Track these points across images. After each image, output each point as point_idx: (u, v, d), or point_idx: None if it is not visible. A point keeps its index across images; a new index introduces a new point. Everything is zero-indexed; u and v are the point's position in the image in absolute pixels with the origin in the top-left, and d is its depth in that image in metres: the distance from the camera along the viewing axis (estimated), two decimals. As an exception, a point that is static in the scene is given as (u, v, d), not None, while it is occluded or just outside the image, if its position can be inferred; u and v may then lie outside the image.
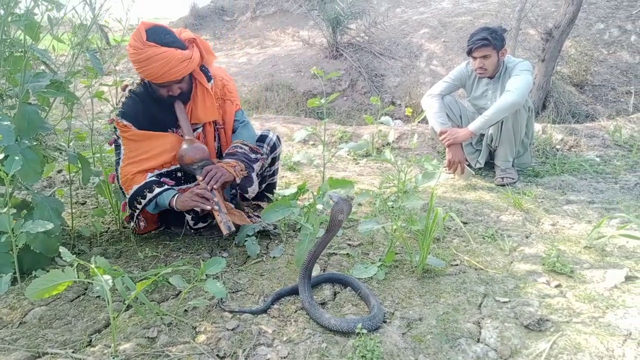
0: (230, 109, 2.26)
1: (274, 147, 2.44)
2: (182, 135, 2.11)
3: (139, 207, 2.03)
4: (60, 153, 2.38)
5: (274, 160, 2.49)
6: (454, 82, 3.30)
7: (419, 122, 4.58)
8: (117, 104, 2.14)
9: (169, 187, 2.04)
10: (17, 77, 1.80)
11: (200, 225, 2.26)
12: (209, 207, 1.95)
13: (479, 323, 1.59)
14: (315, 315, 1.57)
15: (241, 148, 2.19)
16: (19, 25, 1.76)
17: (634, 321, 1.56)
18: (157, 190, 2.00)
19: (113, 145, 2.13)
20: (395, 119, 5.99)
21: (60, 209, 1.95)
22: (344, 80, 7.03)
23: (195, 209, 2.01)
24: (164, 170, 2.09)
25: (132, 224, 2.18)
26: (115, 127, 2.09)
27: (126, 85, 2.17)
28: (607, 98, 6.13)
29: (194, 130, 2.16)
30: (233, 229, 1.95)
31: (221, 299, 1.69)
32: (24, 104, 1.81)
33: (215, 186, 1.99)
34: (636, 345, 1.45)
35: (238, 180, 2.09)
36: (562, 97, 5.78)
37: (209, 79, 2.18)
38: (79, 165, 2.17)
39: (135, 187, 2.01)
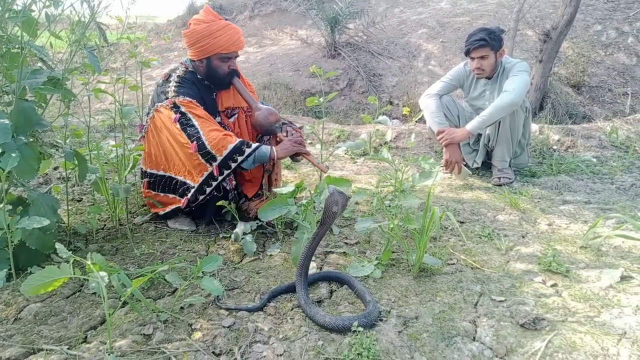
0: (254, 97, 2.46)
1: None
2: (222, 120, 2.35)
3: (234, 165, 2.14)
4: (57, 150, 2.37)
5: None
6: (452, 82, 3.31)
7: (416, 121, 4.58)
8: (162, 91, 2.24)
9: (258, 144, 2.20)
10: (14, 74, 1.79)
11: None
12: (308, 150, 2.32)
13: (475, 322, 1.59)
14: (311, 313, 1.57)
15: (285, 119, 2.49)
16: (17, 21, 1.75)
17: (629, 320, 1.57)
18: (254, 145, 2.17)
19: (177, 124, 2.15)
20: (393, 118, 6.00)
21: (56, 206, 1.94)
22: (342, 79, 7.03)
23: (295, 153, 2.31)
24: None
25: (199, 198, 2.21)
26: (176, 107, 2.16)
27: (169, 74, 2.28)
28: (604, 99, 6.15)
29: (231, 116, 2.38)
30: (327, 167, 2.26)
31: (217, 296, 1.69)
32: (20, 101, 1.80)
33: (296, 135, 2.36)
34: (631, 345, 1.45)
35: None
36: (559, 98, 5.79)
37: None
38: (76, 162, 2.16)
39: (230, 145, 2.11)
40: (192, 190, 2.19)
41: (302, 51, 7.94)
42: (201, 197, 2.20)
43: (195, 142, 2.11)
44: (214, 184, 2.18)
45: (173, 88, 2.20)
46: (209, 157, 2.11)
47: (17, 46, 1.78)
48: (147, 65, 2.43)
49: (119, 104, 2.32)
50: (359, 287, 1.73)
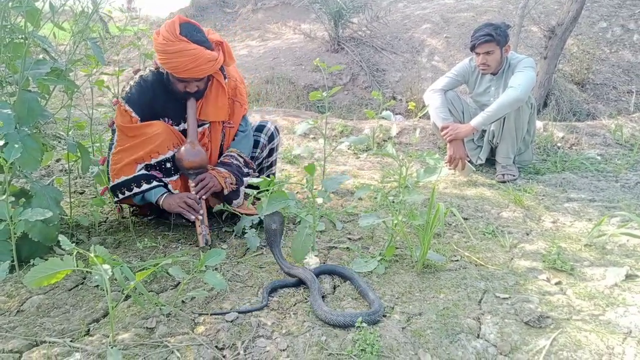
0: (239, 111, 2.28)
1: (271, 138, 2.45)
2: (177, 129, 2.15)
3: (121, 196, 2.09)
4: (59, 142, 2.36)
5: (272, 151, 2.48)
6: (457, 78, 3.28)
7: (420, 117, 4.56)
8: (124, 87, 2.14)
9: (157, 184, 2.08)
10: (17, 64, 1.78)
11: (183, 221, 2.28)
12: (192, 218, 2.06)
13: (479, 319, 1.58)
14: (316, 309, 1.57)
15: (237, 160, 2.24)
16: (20, 11, 1.74)
17: (634, 319, 1.56)
18: (145, 186, 2.06)
19: (110, 128, 2.14)
20: (396, 114, 5.97)
21: (59, 198, 1.93)
22: (345, 74, 7.00)
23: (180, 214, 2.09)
24: (153, 161, 2.08)
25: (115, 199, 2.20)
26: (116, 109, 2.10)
27: (138, 70, 2.18)
28: (608, 97, 6.12)
29: (199, 126, 2.16)
30: (210, 242, 2.05)
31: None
32: (24, 91, 1.79)
33: (204, 196, 2.09)
34: (636, 344, 1.44)
35: (226, 192, 2.16)
36: (564, 95, 5.76)
37: (224, 77, 2.20)
38: (79, 154, 2.15)
39: (123, 177, 2.05)
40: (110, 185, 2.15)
41: (305, 45, 7.90)
42: (116, 199, 2.18)
43: (107, 155, 2.12)
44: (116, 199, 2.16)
45: (127, 89, 2.10)
46: (108, 176, 2.12)
47: (20, 36, 1.77)
48: (150, 57, 2.42)
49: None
50: (361, 284, 1.72)
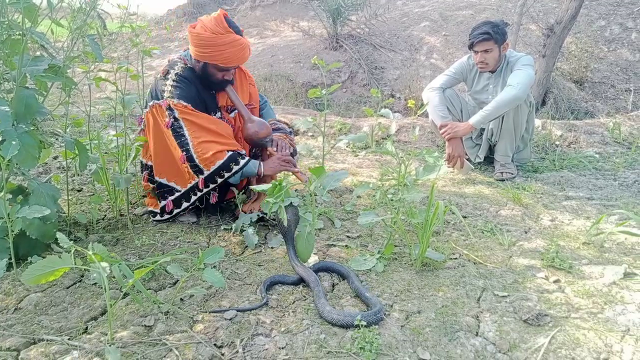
0: (254, 91, 2.50)
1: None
2: (222, 115, 2.32)
3: (220, 180, 2.14)
4: (57, 139, 2.35)
5: None
6: (455, 76, 3.28)
7: (419, 115, 4.56)
8: (160, 89, 2.17)
9: (249, 158, 2.19)
10: (15, 61, 1.76)
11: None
12: (296, 170, 2.27)
13: (478, 317, 1.58)
14: (319, 309, 1.56)
15: (280, 124, 2.48)
16: (18, 7, 1.72)
17: (633, 317, 1.56)
18: (242, 161, 2.14)
19: (170, 129, 2.12)
20: (395, 112, 5.97)
21: (57, 195, 1.92)
22: (344, 72, 6.99)
23: (283, 171, 2.33)
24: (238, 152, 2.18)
25: (174, 211, 2.27)
26: (170, 110, 2.11)
27: (167, 70, 2.21)
28: (606, 95, 6.12)
29: (231, 112, 2.34)
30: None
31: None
32: (21, 88, 1.77)
33: (289, 151, 2.31)
34: (634, 341, 1.45)
35: (292, 150, 2.38)
36: (562, 94, 5.77)
37: None
38: (76, 152, 2.14)
39: (218, 162, 2.09)
40: (177, 194, 2.21)
41: (303, 43, 7.88)
42: (185, 204, 2.23)
43: (184, 152, 2.10)
44: (199, 194, 2.19)
45: (169, 88, 2.13)
46: (196, 169, 2.11)
47: (18, 33, 1.76)
48: (148, 55, 2.40)
49: (120, 93, 2.30)
50: (356, 283, 1.71)
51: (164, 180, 2.22)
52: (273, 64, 7.06)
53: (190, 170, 2.12)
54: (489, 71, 3.15)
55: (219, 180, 2.13)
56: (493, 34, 2.97)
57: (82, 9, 1.99)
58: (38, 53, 2.07)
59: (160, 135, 2.16)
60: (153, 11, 12.00)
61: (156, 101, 2.16)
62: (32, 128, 1.86)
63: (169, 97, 2.12)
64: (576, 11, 4.88)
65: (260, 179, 2.27)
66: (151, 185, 2.29)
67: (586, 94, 6.15)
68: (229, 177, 2.14)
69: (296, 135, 4.15)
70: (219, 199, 2.32)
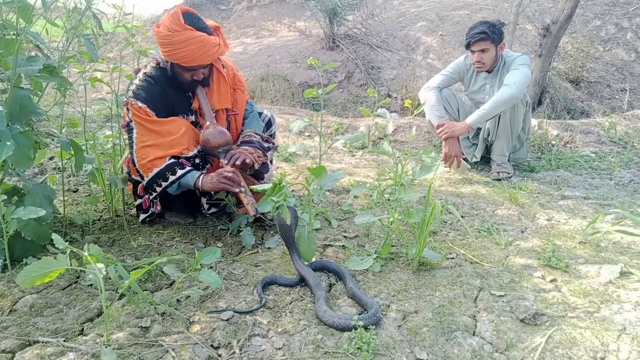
0: (242, 98, 2.31)
1: (269, 124, 2.48)
2: (197, 119, 2.18)
3: (158, 189, 2.05)
4: (52, 139, 2.34)
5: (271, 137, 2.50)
6: (452, 76, 3.28)
7: (416, 115, 4.56)
8: (129, 87, 2.11)
9: (190, 168, 2.05)
10: (9, 61, 1.75)
11: (213, 210, 2.30)
12: (236, 190, 2.00)
13: (475, 316, 1.58)
14: (320, 314, 1.55)
15: (255, 137, 2.26)
16: (12, 7, 1.71)
17: (629, 316, 1.56)
18: (179, 172, 2.01)
19: (125, 129, 2.10)
20: (392, 111, 5.97)
21: (52, 196, 1.91)
22: (340, 72, 6.99)
23: (223, 191, 2.07)
24: (183, 156, 2.07)
25: (137, 201, 2.21)
26: (128, 110, 2.07)
27: (139, 69, 2.15)
28: (602, 95, 6.15)
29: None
30: (260, 210, 1.92)
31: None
32: (16, 88, 1.77)
33: (237, 163, 2.04)
34: (631, 340, 1.45)
35: (256, 166, 2.15)
36: (558, 93, 5.79)
37: (222, 66, 2.22)
38: (72, 152, 2.13)
39: (155, 169, 2.01)
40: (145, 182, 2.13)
41: (300, 43, 7.88)
42: (139, 200, 2.20)
43: (130, 154, 2.08)
44: (139, 200, 2.18)
45: (133, 88, 2.07)
46: (139, 174, 2.08)
47: (12, 32, 1.75)
48: (145, 55, 2.39)
49: (115, 94, 2.29)
50: (352, 286, 1.70)
51: (133, 175, 2.18)
52: (270, 64, 7.06)
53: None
54: (486, 71, 3.15)
55: (158, 189, 2.05)
56: (490, 34, 2.97)
57: (77, 8, 1.98)
58: (33, 53, 2.06)
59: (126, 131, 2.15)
60: (149, 11, 11.98)
61: (124, 99, 2.13)
62: (27, 129, 1.85)
63: (129, 96, 2.06)
64: (572, 11, 4.90)
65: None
66: (130, 185, 2.28)
67: (582, 93, 6.18)
68: (167, 186, 2.03)
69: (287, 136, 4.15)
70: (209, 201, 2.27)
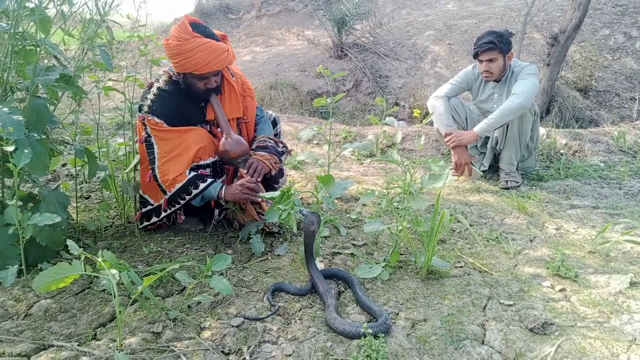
0: (252, 105, 2.36)
1: (274, 123, 2.54)
2: (212, 129, 2.20)
3: (182, 202, 2.11)
4: (66, 147, 2.38)
5: (276, 137, 2.54)
6: (460, 85, 3.30)
7: (424, 124, 4.58)
8: (143, 102, 2.14)
9: (212, 180, 2.11)
10: (28, 71, 1.80)
11: (222, 216, 2.36)
12: (259, 200, 2.10)
13: (484, 325, 1.59)
14: (331, 321, 1.56)
15: (269, 142, 2.32)
16: (33, 19, 1.76)
17: (639, 326, 1.56)
18: (202, 185, 2.07)
19: (144, 144, 2.12)
20: (400, 120, 5.99)
21: (66, 203, 1.95)
22: (349, 80, 7.03)
23: (245, 201, 2.15)
24: (202, 162, 2.12)
25: (144, 223, 2.28)
26: (144, 125, 2.10)
27: (152, 83, 2.18)
28: (611, 104, 6.13)
29: (218, 127, 2.20)
30: (277, 222, 2.01)
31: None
32: (33, 97, 1.81)
33: (258, 179, 2.11)
34: (641, 351, 1.45)
35: (273, 173, 2.21)
36: (567, 102, 5.77)
37: (231, 75, 2.27)
38: (85, 159, 2.17)
39: (178, 185, 2.05)
40: (149, 207, 2.23)
41: (308, 51, 7.94)
42: (154, 219, 2.24)
43: (151, 170, 2.11)
44: (164, 214, 2.21)
45: (148, 103, 2.10)
46: (161, 189, 2.12)
47: (31, 43, 1.79)
48: (157, 64, 2.44)
49: (128, 102, 2.33)
50: (360, 293, 1.71)
51: (140, 192, 2.26)
52: (278, 73, 7.11)
53: (159, 188, 2.13)
54: (494, 80, 3.17)
55: (182, 202, 2.11)
56: (498, 44, 2.99)
57: (92, 20, 2.02)
58: (47, 62, 2.11)
59: (141, 147, 2.18)
60: (159, 19, 12.12)
61: (139, 114, 2.15)
62: (43, 136, 1.89)
63: (145, 111, 2.09)
64: (580, 20, 4.91)
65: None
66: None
67: (591, 102, 6.16)
68: (191, 199, 2.10)
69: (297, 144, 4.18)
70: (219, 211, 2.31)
